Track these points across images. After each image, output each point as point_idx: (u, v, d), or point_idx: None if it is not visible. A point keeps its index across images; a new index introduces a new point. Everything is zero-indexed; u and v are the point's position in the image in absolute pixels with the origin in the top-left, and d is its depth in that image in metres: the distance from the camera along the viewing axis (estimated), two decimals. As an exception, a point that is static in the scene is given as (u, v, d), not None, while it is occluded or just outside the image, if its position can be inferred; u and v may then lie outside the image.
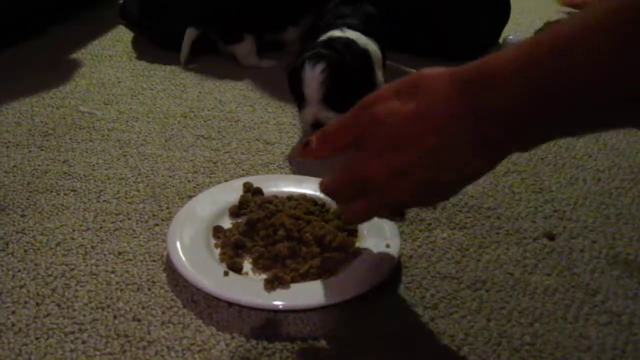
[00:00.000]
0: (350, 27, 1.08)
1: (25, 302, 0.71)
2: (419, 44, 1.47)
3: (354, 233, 0.80)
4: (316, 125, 0.99)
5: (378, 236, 0.78)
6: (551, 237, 0.85)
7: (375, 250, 0.76)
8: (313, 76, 0.97)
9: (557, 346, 0.67)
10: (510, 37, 1.55)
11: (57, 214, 0.87)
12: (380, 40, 1.12)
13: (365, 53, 1.05)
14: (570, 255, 0.82)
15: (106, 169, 0.98)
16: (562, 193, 0.96)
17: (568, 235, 0.86)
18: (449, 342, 0.67)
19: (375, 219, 0.76)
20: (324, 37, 1.06)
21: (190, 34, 1.38)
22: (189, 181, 0.95)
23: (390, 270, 0.73)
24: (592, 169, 1.03)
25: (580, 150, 1.09)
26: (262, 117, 1.17)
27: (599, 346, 0.68)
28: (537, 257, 0.81)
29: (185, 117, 1.15)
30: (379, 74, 1.09)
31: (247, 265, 0.75)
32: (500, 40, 1.54)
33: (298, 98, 1.03)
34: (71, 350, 0.65)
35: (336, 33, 1.06)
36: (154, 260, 0.78)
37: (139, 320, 0.69)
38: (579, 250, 0.83)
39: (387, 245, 0.76)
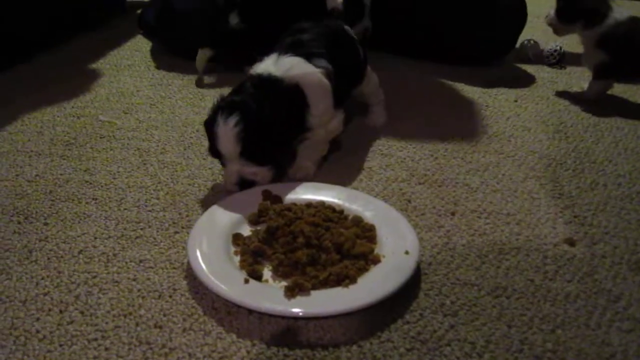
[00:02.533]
0: (294, 47, 0.96)
1: (49, 310, 0.72)
2: (439, 51, 1.47)
3: (373, 240, 0.80)
4: (243, 183, 0.90)
5: (397, 243, 0.78)
6: (572, 243, 0.85)
7: (394, 257, 0.76)
8: (227, 130, 0.86)
9: (579, 353, 0.67)
10: (526, 42, 1.55)
11: (79, 222, 0.88)
12: (337, 60, 0.98)
13: (293, 90, 0.91)
14: (591, 261, 0.81)
15: (127, 177, 0.99)
16: (582, 198, 0.95)
17: (589, 241, 0.85)
18: (469, 349, 0.67)
19: (395, 226, 0.77)
20: (253, 70, 0.94)
21: (202, 54, 1.37)
22: (208, 189, 0.96)
23: (410, 277, 0.73)
24: (612, 174, 1.02)
25: (600, 154, 1.09)
26: (279, 125, 1.17)
27: (622, 353, 0.67)
28: (557, 263, 0.81)
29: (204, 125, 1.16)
30: (319, 107, 0.94)
31: (267, 273, 0.76)
32: (518, 45, 1.54)
33: (216, 154, 0.91)
34: (94, 357, 0.66)
35: (265, 65, 0.93)
36: (174, 268, 0.79)
37: (160, 328, 0.70)
38: (600, 256, 0.82)
39: (406, 252, 0.76)
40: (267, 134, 0.88)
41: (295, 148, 0.98)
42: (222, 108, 0.88)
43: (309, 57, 0.95)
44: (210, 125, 0.89)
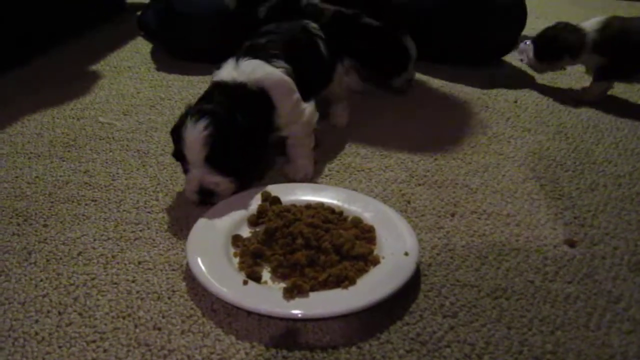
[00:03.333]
0: (252, 51, 0.96)
1: (48, 312, 0.72)
2: (439, 52, 1.47)
3: (372, 241, 0.80)
4: (202, 192, 0.88)
5: (396, 244, 0.78)
6: (572, 244, 0.84)
7: (393, 258, 0.76)
8: (194, 135, 0.85)
9: (579, 355, 0.67)
10: (526, 42, 1.54)
11: (79, 223, 0.88)
12: (302, 60, 0.99)
13: (258, 94, 0.91)
14: (591, 262, 0.81)
15: (126, 179, 0.99)
16: (582, 199, 0.95)
17: (589, 242, 0.85)
18: (469, 350, 0.67)
19: (395, 227, 0.77)
20: (216, 76, 0.94)
21: None
22: (207, 190, 0.96)
23: (409, 279, 0.73)
24: (612, 175, 1.02)
25: (600, 155, 1.08)
26: (279, 126, 1.17)
27: (622, 354, 0.67)
28: (557, 264, 0.81)
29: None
30: (286, 105, 0.94)
31: (266, 274, 0.76)
32: (517, 46, 1.54)
33: (178, 159, 0.90)
34: (93, 359, 0.65)
35: (226, 71, 0.93)
36: (173, 269, 0.79)
37: (159, 329, 0.69)
38: (600, 257, 0.82)
39: (406, 254, 0.76)
40: (235, 142, 0.87)
41: (262, 158, 0.98)
42: (191, 114, 0.87)
43: (266, 58, 0.94)
44: (177, 130, 0.88)
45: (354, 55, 1.24)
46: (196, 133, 0.85)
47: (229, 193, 0.90)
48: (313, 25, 1.10)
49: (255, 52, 0.95)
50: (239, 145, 0.87)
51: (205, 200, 0.88)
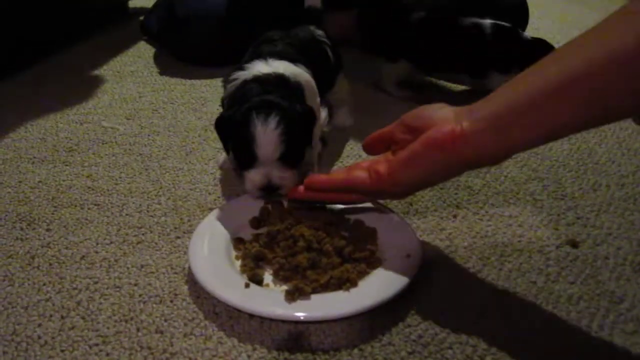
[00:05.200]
0: (275, 54, 0.94)
1: (51, 315, 0.72)
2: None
3: (374, 243, 0.80)
4: (267, 188, 0.85)
5: (398, 246, 0.78)
6: (574, 245, 0.84)
7: (395, 260, 0.76)
8: (267, 133, 0.81)
9: (582, 356, 0.66)
10: None
11: (82, 227, 0.88)
12: (314, 65, 0.99)
13: (298, 88, 0.90)
14: (594, 262, 0.81)
15: (129, 183, 0.99)
16: (585, 199, 0.95)
17: (592, 243, 0.85)
18: (471, 352, 0.67)
19: (397, 229, 0.77)
20: (247, 73, 0.90)
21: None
22: (210, 194, 0.96)
23: (411, 280, 0.73)
24: (615, 175, 1.02)
25: (603, 155, 1.08)
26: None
27: (625, 355, 0.66)
28: (560, 265, 0.80)
29: (206, 130, 1.17)
30: (314, 104, 0.95)
31: (267, 277, 0.76)
32: None
33: (244, 157, 0.86)
34: (96, 363, 0.66)
35: (261, 67, 0.90)
36: (176, 273, 0.79)
37: (161, 333, 0.70)
38: (603, 257, 0.82)
39: (408, 256, 0.76)
40: (302, 135, 0.87)
41: None
42: (256, 108, 0.82)
43: (292, 61, 0.94)
44: (240, 126, 0.83)
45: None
46: (270, 132, 0.81)
47: (293, 185, 0.85)
48: (319, 32, 1.11)
49: (279, 55, 0.94)
50: (305, 136, 0.87)
51: (269, 195, 0.86)
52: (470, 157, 0.66)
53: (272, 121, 0.81)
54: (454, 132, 0.66)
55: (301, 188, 0.81)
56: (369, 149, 0.80)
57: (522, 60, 1.16)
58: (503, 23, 1.26)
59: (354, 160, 1.06)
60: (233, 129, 0.85)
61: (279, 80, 0.88)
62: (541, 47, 1.21)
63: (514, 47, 1.22)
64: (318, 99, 0.97)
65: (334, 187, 0.78)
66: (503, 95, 0.64)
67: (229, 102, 0.90)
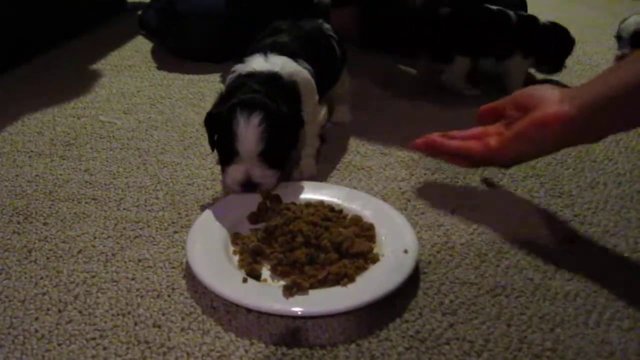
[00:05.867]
0: (277, 48, 0.94)
1: (48, 309, 0.72)
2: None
3: (372, 239, 0.80)
4: (247, 184, 0.86)
5: (396, 242, 0.78)
6: (572, 242, 0.84)
7: (393, 256, 0.76)
8: (249, 129, 0.82)
9: (578, 352, 0.67)
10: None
11: (79, 222, 0.88)
12: (320, 59, 0.99)
13: (292, 87, 0.90)
14: (591, 259, 0.81)
15: (126, 178, 0.99)
16: (582, 197, 0.95)
17: (589, 240, 0.85)
18: (468, 348, 0.67)
19: (394, 225, 0.77)
20: (244, 67, 0.91)
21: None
22: (207, 189, 0.96)
23: (409, 276, 0.73)
24: (612, 173, 1.02)
25: (601, 153, 1.08)
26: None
27: (622, 351, 0.67)
28: (557, 262, 0.80)
29: (204, 125, 1.16)
30: (310, 104, 0.95)
31: (265, 272, 0.76)
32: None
33: (225, 152, 0.87)
34: (93, 357, 0.66)
35: (258, 62, 0.90)
36: (173, 267, 0.79)
37: (159, 327, 0.70)
38: (600, 254, 0.82)
39: (405, 251, 0.76)
40: (285, 135, 0.86)
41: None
42: (240, 107, 0.83)
43: (293, 57, 0.93)
44: (224, 122, 0.84)
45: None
46: (251, 128, 0.82)
47: (273, 185, 0.87)
48: (326, 25, 1.10)
49: (280, 50, 0.93)
50: (288, 137, 0.88)
51: (247, 191, 0.87)
52: (569, 137, 0.77)
53: (255, 119, 0.82)
54: (558, 114, 0.76)
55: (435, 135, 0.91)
56: (481, 120, 0.90)
57: (542, 43, 1.32)
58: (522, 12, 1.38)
59: (352, 157, 1.06)
60: (215, 124, 0.87)
61: (272, 78, 0.88)
62: (557, 31, 1.36)
63: (534, 30, 1.34)
64: (316, 97, 0.96)
65: (448, 150, 0.89)
66: (598, 85, 0.75)
67: (219, 98, 0.90)
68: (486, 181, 0.88)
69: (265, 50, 0.93)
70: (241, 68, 0.91)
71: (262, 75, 0.88)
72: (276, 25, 1.03)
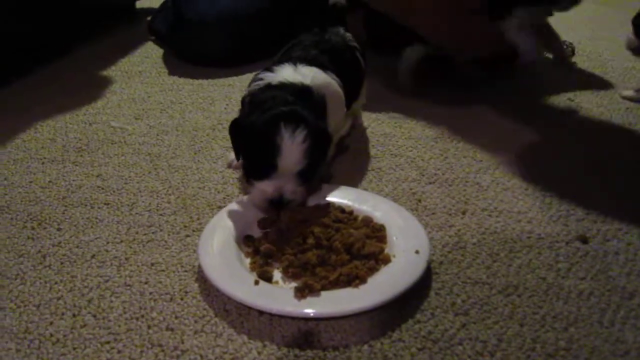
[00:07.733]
0: (306, 60, 0.92)
1: (63, 314, 0.73)
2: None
3: (383, 240, 0.80)
4: (277, 201, 0.82)
5: (407, 242, 0.78)
6: (584, 240, 0.84)
7: (404, 256, 0.76)
8: (294, 145, 0.79)
9: (593, 351, 0.66)
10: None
11: (92, 227, 0.89)
12: (346, 73, 0.97)
13: (321, 100, 0.88)
14: (604, 258, 0.81)
15: (138, 182, 1.00)
16: (594, 195, 0.94)
17: (602, 238, 0.84)
18: (481, 348, 0.67)
19: (405, 226, 0.76)
20: (273, 76, 0.89)
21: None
22: (218, 192, 0.97)
23: (420, 277, 0.73)
24: (623, 171, 1.01)
25: (611, 151, 1.07)
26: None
27: (637, 350, 0.66)
28: (570, 260, 0.80)
29: (214, 129, 1.17)
30: (337, 116, 0.94)
31: (277, 274, 0.76)
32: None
33: (260, 166, 0.82)
34: (107, 360, 0.66)
35: (288, 72, 0.89)
36: (186, 271, 0.79)
37: (172, 330, 0.70)
38: (613, 252, 0.81)
39: (417, 252, 0.76)
40: (321, 150, 0.84)
41: None
42: (284, 119, 0.79)
43: (323, 69, 0.93)
44: (264, 133, 0.80)
45: None
46: (296, 145, 0.79)
47: (302, 202, 0.85)
48: (349, 35, 1.08)
49: (309, 62, 0.92)
50: (323, 153, 0.85)
51: (275, 208, 0.83)
52: None
53: (300, 135, 0.79)
54: None
55: None
56: None
57: None
58: None
59: (361, 159, 1.06)
60: (252, 136, 0.82)
61: (302, 90, 0.86)
62: None
63: None
64: (344, 110, 0.95)
65: None
66: None
67: (249, 105, 0.87)
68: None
69: (294, 61, 0.91)
70: (271, 77, 0.89)
71: (295, 86, 0.86)
72: (301, 39, 1.02)
